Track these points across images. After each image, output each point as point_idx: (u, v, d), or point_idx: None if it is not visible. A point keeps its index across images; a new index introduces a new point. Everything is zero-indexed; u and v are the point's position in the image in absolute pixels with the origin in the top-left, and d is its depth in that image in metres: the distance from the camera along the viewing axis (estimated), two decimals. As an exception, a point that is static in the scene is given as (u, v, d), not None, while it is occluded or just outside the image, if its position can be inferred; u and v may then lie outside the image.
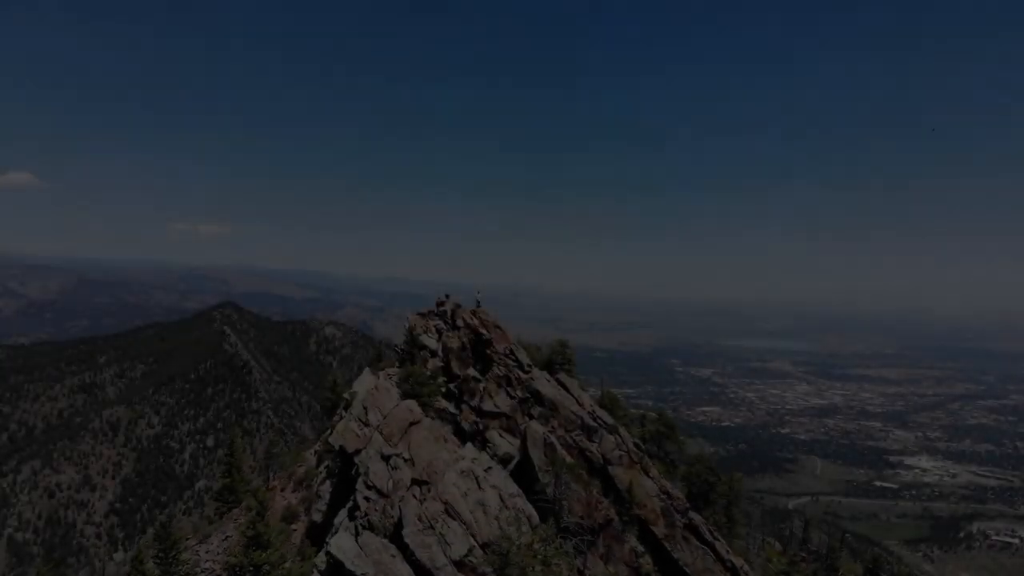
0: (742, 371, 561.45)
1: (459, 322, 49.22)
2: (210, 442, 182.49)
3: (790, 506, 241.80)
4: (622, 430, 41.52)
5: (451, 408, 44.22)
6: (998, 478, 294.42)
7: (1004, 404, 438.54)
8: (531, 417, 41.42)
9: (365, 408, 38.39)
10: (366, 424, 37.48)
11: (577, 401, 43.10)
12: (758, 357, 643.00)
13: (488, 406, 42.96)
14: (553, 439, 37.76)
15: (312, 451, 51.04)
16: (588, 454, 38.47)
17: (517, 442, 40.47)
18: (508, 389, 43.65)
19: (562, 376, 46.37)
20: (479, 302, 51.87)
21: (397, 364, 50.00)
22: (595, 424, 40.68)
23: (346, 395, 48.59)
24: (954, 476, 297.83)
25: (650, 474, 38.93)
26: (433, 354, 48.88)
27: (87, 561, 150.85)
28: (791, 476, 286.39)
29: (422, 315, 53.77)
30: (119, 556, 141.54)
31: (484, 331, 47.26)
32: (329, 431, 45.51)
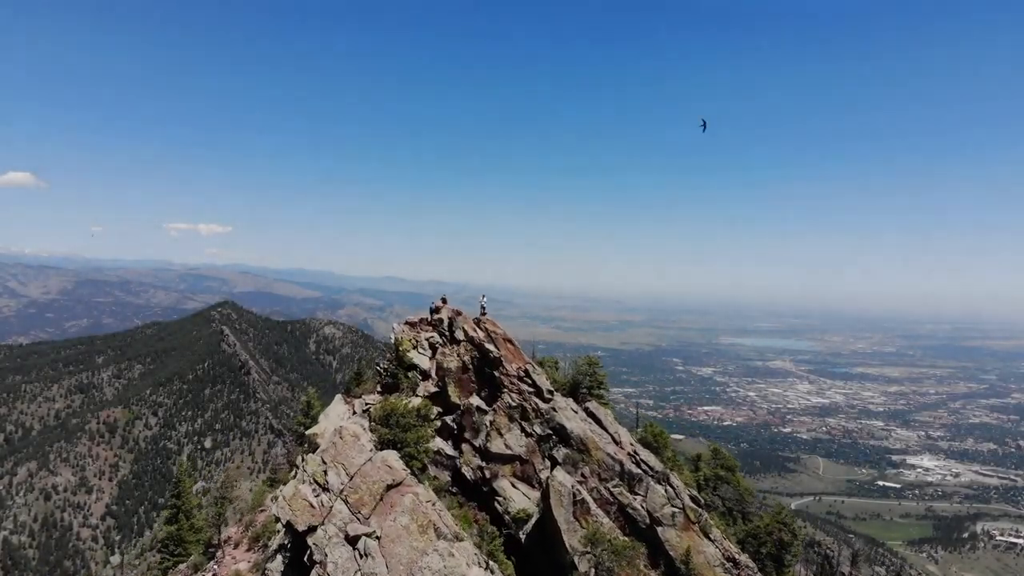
0: (743, 370, 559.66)
1: (459, 334, 39.13)
2: (208, 443, 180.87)
3: (793, 506, 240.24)
4: (674, 478, 33.16)
5: (448, 449, 34.63)
6: (1001, 477, 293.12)
7: (1006, 403, 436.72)
8: (554, 461, 32.42)
9: (324, 464, 28.24)
10: (324, 488, 27.12)
11: (613, 439, 34.41)
12: (759, 356, 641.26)
13: (497, 446, 33.59)
14: (584, 493, 29.44)
15: (273, 496, 40.87)
16: (630, 511, 29.99)
17: (535, 494, 31.81)
18: (523, 424, 34.32)
19: (593, 405, 37.06)
20: (484, 308, 42.30)
21: (379, 388, 39.44)
22: (639, 471, 32.18)
23: (309, 432, 37.53)
24: (957, 475, 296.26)
25: (711, 536, 31.07)
26: (425, 376, 38.25)
27: (83, 564, 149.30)
28: (794, 476, 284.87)
29: (412, 324, 42.61)
30: (116, 559, 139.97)
31: (492, 347, 37.11)
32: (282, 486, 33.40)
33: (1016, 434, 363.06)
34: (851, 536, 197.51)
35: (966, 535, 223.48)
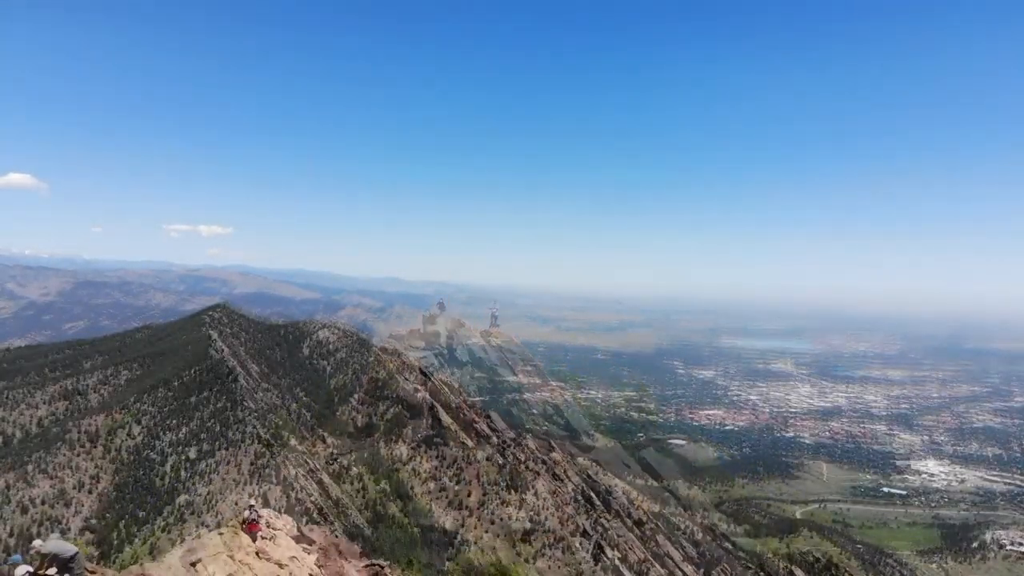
0: (744, 372, 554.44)
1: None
2: (192, 454, 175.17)
3: (798, 514, 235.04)
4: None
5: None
6: (1007, 482, 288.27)
7: (1010, 406, 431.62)
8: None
9: None
10: None
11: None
12: (760, 358, 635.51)
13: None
14: None
15: None
16: None
17: None
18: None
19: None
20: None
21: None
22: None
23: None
24: (962, 481, 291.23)
25: None
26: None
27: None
28: (797, 481, 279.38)
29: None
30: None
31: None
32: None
33: (1021, 437, 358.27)
34: (859, 547, 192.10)
35: (975, 544, 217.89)
